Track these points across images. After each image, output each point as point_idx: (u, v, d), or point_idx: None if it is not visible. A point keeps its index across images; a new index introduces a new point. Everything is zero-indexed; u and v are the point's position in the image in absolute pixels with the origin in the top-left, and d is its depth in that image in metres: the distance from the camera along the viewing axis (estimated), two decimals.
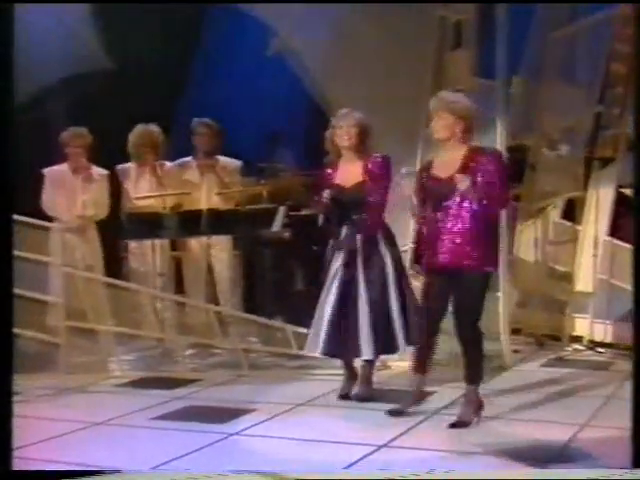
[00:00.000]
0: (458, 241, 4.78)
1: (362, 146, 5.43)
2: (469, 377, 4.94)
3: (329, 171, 5.55)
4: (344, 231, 5.43)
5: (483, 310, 4.90)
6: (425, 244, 4.97)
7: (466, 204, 4.76)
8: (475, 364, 4.93)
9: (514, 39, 6.51)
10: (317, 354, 5.53)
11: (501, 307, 6.29)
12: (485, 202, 4.72)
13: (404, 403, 5.08)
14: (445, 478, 3.96)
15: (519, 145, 7.16)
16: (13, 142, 3.87)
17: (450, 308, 4.97)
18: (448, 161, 4.86)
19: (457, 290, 4.88)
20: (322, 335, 5.38)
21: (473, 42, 6.58)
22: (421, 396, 5.13)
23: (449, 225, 4.80)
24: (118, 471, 4.01)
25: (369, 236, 5.39)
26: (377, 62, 6.76)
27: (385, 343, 5.36)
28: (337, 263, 5.43)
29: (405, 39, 6.74)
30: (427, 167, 5.00)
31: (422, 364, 5.05)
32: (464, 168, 4.79)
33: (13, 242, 4.02)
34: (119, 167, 6.96)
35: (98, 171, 6.78)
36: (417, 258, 5.18)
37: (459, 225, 4.79)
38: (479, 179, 4.73)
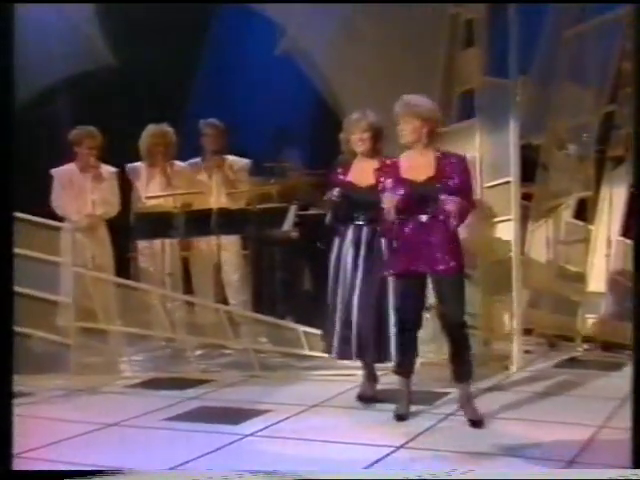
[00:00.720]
0: (443, 244, 4.80)
1: (377, 147, 5.43)
2: (461, 375, 4.96)
3: (339, 170, 5.53)
4: (350, 230, 5.41)
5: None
6: (399, 249, 4.88)
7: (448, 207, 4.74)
8: (466, 362, 4.96)
9: (525, 39, 6.49)
10: (352, 360, 5.55)
11: (513, 307, 6.25)
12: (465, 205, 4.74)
13: (400, 407, 5.05)
14: (463, 478, 3.93)
15: (528, 144, 7.13)
16: (15, 141, 3.83)
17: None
18: (419, 165, 4.87)
19: (443, 294, 4.91)
20: (353, 340, 5.35)
21: (484, 41, 6.54)
22: (412, 396, 5.08)
23: (433, 229, 4.80)
24: (120, 472, 3.97)
25: (374, 236, 5.33)
26: (387, 61, 6.73)
27: (383, 349, 5.32)
28: (343, 260, 5.40)
29: (415, 37, 6.71)
30: (391, 170, 4.92)
31: (406, 366, 5.04)
32: (439, 172, 4.82)
33: (14, 241, 3.97)
34: (129, 166, 6.92)
35: (107, 169, 6.72)
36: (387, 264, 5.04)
37: (442, 228, 4.79)
38: (450, 183, 4.79)
